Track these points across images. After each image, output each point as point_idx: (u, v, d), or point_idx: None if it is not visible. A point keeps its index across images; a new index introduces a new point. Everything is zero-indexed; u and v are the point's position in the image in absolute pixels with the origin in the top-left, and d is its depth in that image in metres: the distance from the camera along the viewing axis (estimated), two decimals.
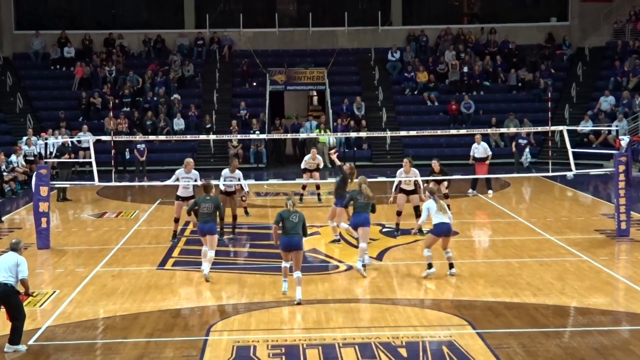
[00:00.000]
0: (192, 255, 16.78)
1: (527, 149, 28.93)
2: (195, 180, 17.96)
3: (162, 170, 31.09)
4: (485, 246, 17.57)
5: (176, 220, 18.15)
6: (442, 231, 14.34)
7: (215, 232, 14.81)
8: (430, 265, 14.48)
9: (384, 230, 19.05)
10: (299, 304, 12.79)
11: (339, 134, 30.34)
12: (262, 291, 13.73)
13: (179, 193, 18.18)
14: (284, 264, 13.47)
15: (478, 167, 24.66)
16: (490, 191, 24.50)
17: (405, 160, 18.48)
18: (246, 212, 20.94)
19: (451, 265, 14.60)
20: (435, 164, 20.26)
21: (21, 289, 10.90)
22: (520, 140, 29.96)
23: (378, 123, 34.55)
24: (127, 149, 32.04)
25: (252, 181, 21.60)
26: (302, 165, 22.68)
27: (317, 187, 23.25)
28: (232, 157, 18.75)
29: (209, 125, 33.94)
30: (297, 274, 13.10)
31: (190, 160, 18.37)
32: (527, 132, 30.30)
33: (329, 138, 32.39)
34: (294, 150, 35.82)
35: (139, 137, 27.91)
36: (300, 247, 13.14)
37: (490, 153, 24.95)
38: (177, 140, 32.40)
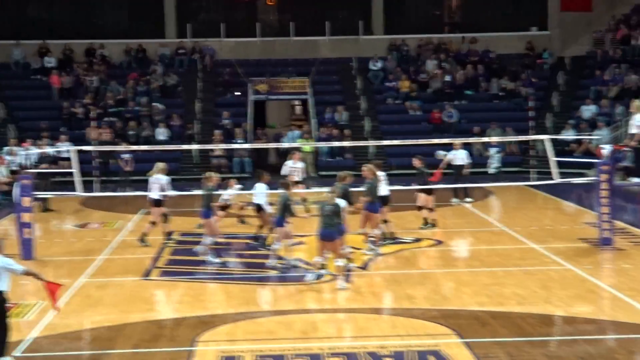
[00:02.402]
0: (177, 266, 16.74)
1: (496, 157, 28.91)
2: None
3: (146, 180, 31.00)
4: (469, 255, 17.62)
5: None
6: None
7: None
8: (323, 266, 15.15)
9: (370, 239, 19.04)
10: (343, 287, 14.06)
11: (322, 143, 30.39)
12: (248, 301, 13.71)
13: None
14: (315, 258, 14.62)
15: (438, 173, 23.95)
16: (455, 200, 24.63)
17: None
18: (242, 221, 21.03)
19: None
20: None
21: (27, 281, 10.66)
22: (490, 149, 30.08)
23: (361, 132, 34.65)
24: (117, 159, 31.71)
25: (237, 191, 21.55)
26: (283, 172, 22.45)
27: (304, 199, 23.05)
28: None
29: (191, 132, 33.92)
30: (337, 262, 14.31)
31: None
32: (499, 141, 30.36)
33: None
34: (277, 159, 35.82)
35: (121, 147, 27.79)
36: (333, 238, 14.15)
37: (469, 160, 25.02)
38: (160, 150, 32.37)
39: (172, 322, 12.50)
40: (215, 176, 17.13)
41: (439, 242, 18.69)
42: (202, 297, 14.07)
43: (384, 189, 18.19)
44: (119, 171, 31.16)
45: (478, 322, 12.17)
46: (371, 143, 29.27)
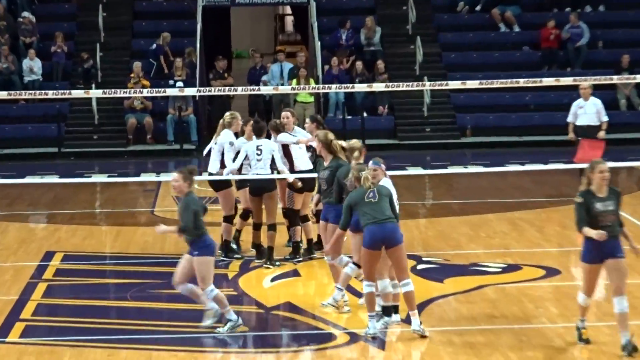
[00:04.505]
0: (58, 317, 16.72)
1: None
2: None
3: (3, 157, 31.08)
4: (600, 301, 17.49)
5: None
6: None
7: None
8: (391, 311, 15.55)
9: (422, 266, 19.04)
10: (423, 336, 14.80)
11: (334, 88, 30.21)
12: None
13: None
14: (366, 287, 14.99)
15: (586, 145, 24.33)
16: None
17: None
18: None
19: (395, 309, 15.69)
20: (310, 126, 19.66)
21: None
22: None
23: (407, 66, 34.58)
24: None
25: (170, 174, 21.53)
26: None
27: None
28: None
29: (87, 65, 33.89)
30: (407, 285, 14.98)
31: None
32: None
33: None
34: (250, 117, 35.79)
35: None
36: (397, 240, 14.91)
37: (606, 119, 24.87)
38: (31, 100, 32.28)
39: None
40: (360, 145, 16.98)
41: (554, 272, 18.60)
42: None
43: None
44: None
45: None
46: (427, 86, 29.08)
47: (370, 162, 15.38)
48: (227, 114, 20.04)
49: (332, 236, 15.93)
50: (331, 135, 17.04)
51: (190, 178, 15.56)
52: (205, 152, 20.05)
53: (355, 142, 16.40)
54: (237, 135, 19.59)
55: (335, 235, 15.32)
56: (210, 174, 19.76)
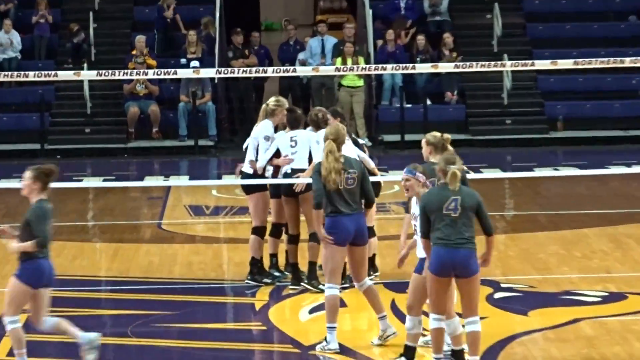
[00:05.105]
0: (39, 358, 16.78)
1: None
2: None
3: None
4: None
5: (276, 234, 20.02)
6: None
7: None
8: (463, 355, 15.19)
9: (501, 294, 19.02)
10: None
11: (390, 68, 30.27)
12: None
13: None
14: (433, 322, 14.70)
15: None
16: None
17: None
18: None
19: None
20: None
21: None
22: None
23: (483, 42, 34.61)
24: None
25: (186, 179, 21.66)
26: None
27: None
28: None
29: (77, 40, 34.03)
30: (473, 324, 14.59)
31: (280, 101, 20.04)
32: None
33: None
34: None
35: None
36: (471, 270, 14.55)
37: None
38: (7, 83, 32.44)
39: None
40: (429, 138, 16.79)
41: None
42: None
43: None
44: None
45: None
46: (507, 67, 29.12)
47: (405, 171, 15.12)
48: (272, 99, 19.94)
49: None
50: (333, 134, 16.50)
51: (44, 180, 15.03)
52: (244, 146, 19.90)
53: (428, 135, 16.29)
54: (276, 128, 19.65)
55: (422, 247, 14.94)
56: (245, 175, 19.79)
